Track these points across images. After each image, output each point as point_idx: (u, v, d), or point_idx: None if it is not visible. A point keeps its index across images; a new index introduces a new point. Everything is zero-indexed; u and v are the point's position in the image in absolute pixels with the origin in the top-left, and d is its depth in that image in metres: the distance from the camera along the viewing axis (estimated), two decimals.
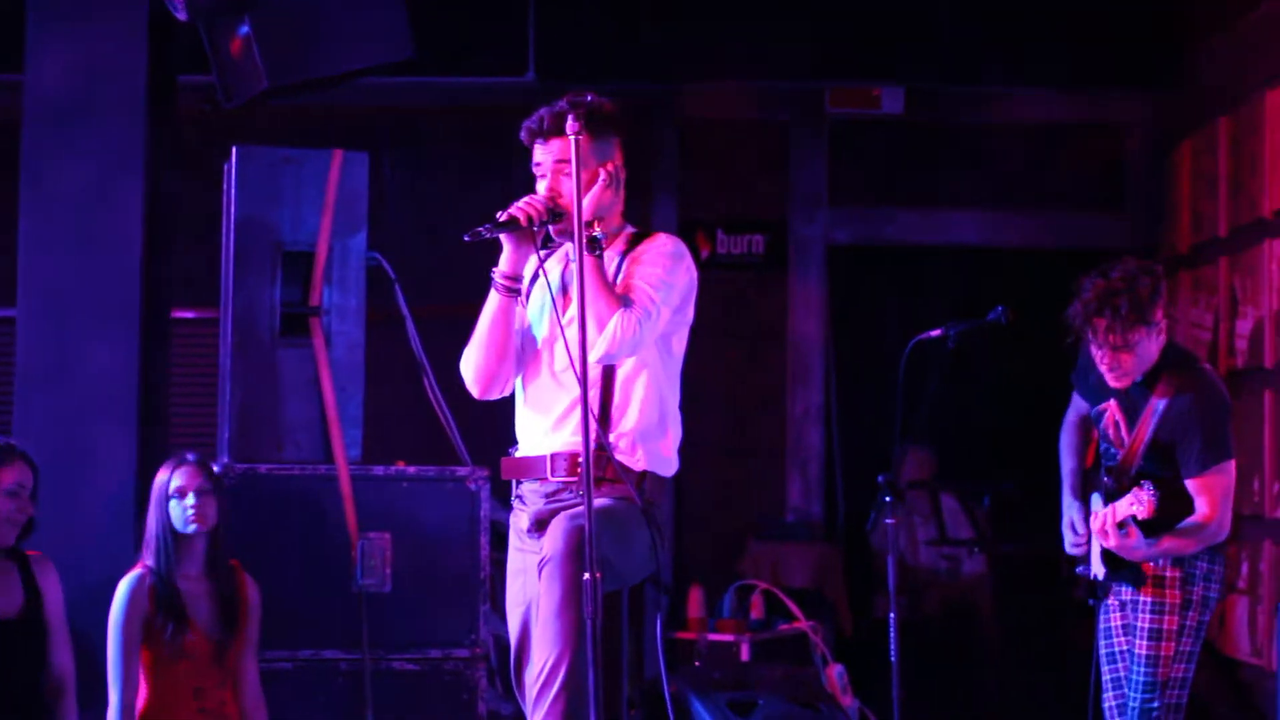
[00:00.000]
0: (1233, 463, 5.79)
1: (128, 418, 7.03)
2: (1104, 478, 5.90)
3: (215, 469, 6.32)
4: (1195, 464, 5.73)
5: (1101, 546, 5.83)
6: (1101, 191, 10.60)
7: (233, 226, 6.65)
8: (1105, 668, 5.99)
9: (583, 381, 4.67)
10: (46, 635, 5.84)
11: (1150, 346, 5.76)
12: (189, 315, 9.15)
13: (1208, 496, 5.73)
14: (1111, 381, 5.83)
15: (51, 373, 6.99)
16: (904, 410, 7.04)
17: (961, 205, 10.67)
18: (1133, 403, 5.86)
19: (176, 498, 6.13)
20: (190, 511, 6.11)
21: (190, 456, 6.24)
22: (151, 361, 7.21)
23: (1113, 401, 5.93)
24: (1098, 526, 5.76)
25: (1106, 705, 5.98)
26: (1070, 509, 6.13)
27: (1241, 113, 9.08)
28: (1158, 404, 5.77)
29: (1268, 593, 8.56)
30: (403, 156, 10.00)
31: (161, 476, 6.18)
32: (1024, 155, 10.67)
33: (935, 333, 7.15)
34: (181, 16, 6.48)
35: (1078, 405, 6.24)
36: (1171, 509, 5.68)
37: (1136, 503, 5.56)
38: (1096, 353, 5.81)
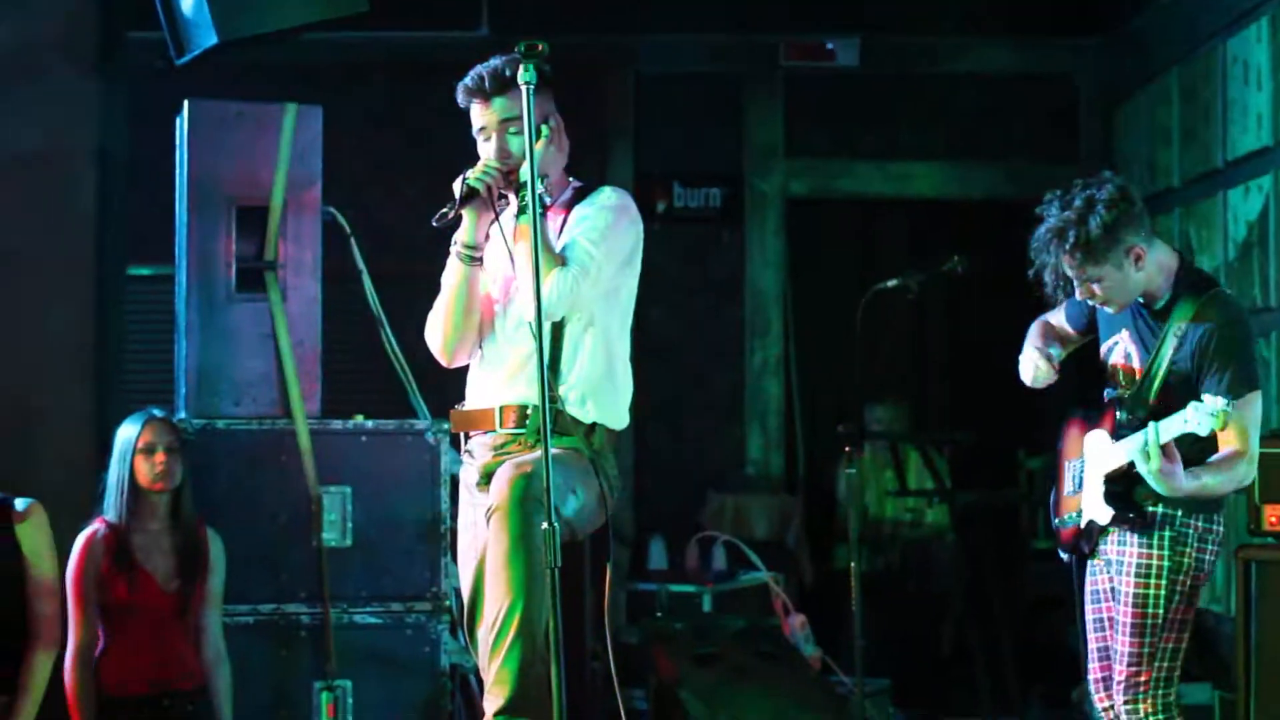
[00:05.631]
0: (1259, 395, 5.29)
1: (84, 375, 7.01)
2: (1116, 413, 5.42)
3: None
4: (1226, 393, 5.14)
5: (1105, 487, 5.39)
6: (1056, 142, 10.62)
7: (186, 182, 6.61)
8: (1092, 635, 5.55)
9: (539, 332, 4.67)
10: (20, 584, 5.80)
11: (1123, 276, 5.29)
12: (145, 272, 9.11)
13: (1236, 428, 5.18)
14: (1103, 307, 5.44)
15: (6, 331, 6.96)
16: (862, 361, 7.06)
17: (918, 157, 10.68)
18: (1150, 330, 5.40)
19: (144, 454, 6.12)
20: (159, 468, 6.11)
21: (157, 413, 6.22)
22: (107, 318, 7.19)
23: (1125, 332, 5.46)
24: (1130, 448, 5.21)
25: (1091, 677, 5.56)
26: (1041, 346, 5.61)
27: (1194, 62, 9.09)
28: (1177, 328, 5.30)
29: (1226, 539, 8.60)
30: (356, 111, 9.97)
31: (128, 432, 6.16)
32: (980, 106, 10.69)
33: (892, 283, 7.17)
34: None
35: (1057, 314, 5.79)
36: (1189, 452, 5.21)
37: (1194, 420, 5.02)
38: (1076, 286, 5.39)
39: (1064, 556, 5.65)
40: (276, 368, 6.56)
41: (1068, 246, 5.26)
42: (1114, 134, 10.40)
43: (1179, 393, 5.26)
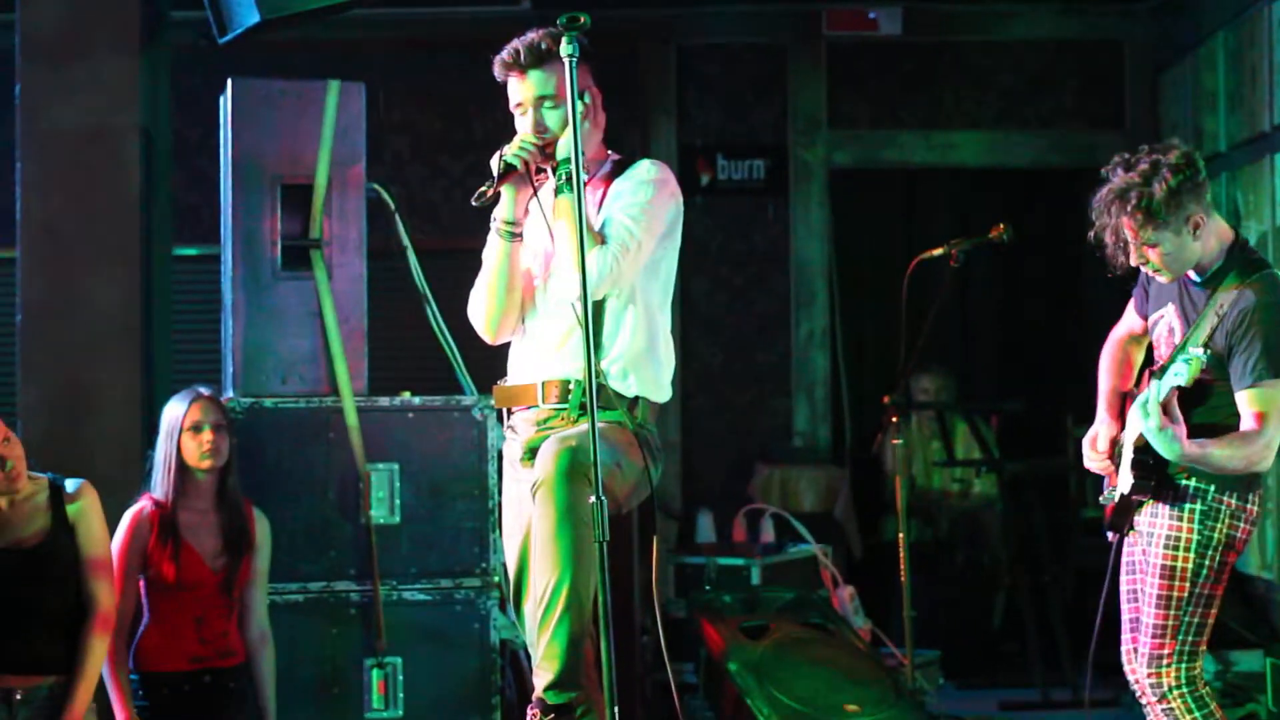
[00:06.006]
0: None
1: (131, 355, 7.01)
2: (1149, 380, 5.36)
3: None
4: (1250, 373, 5.16)
5: (1134, 456, 5.33)
6: (1102, 109, 10.57)
7: (230, 161, 6.62)
8: (1125, 606, 5.51)
9: (585, 311, 4.66)
10: (76, 564, 5.82)
11: (1180, 244, 5.25)
12: (191, 252, 9.14)
13: (1258, 410, 5.16)
14: (1155, 275, 5.40)
15: (55, 312, 6.98)
16: (908, 331, 7.04)
17: (962, 126, 10.63)
18: (1192, 304, 5.36)
19: (192, 432, 6.12)
20: (206, 447, 6.11)
21: (204, 391, 6.21)
22: (153, 298, 7.20)
23: (1171, 306, 5.43)
24: (1139, 404, 5.20)
25: (1124, 648, 5.52)
26: (1100, 424, 5.57)
27: (1241, 26, 9.03)
28: (1219, 305, 5.23)
29: (1276, 506, 8.57)
30: (399, 88, 9.97)
31: (175, 410, 6.16)
32: (1023, 75, 10.64)
33: (937, 252, 7.14)
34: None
35: (1128, 320, 5.72)
36: (1214, 424, 5.24)
37: (1179, 371, 5.07)
38: (1131, 250, 5.33)
39: (1108, 535, 5.58)
40: (323, 345, 6.57)
41: (1130, 208, 5.22)
42: (1160, 100, 10.34)
43: (1215, 370, 5.24)
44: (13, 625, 5.69)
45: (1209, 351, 5.08)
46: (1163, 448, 5.16)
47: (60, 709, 5.71)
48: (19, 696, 5.69)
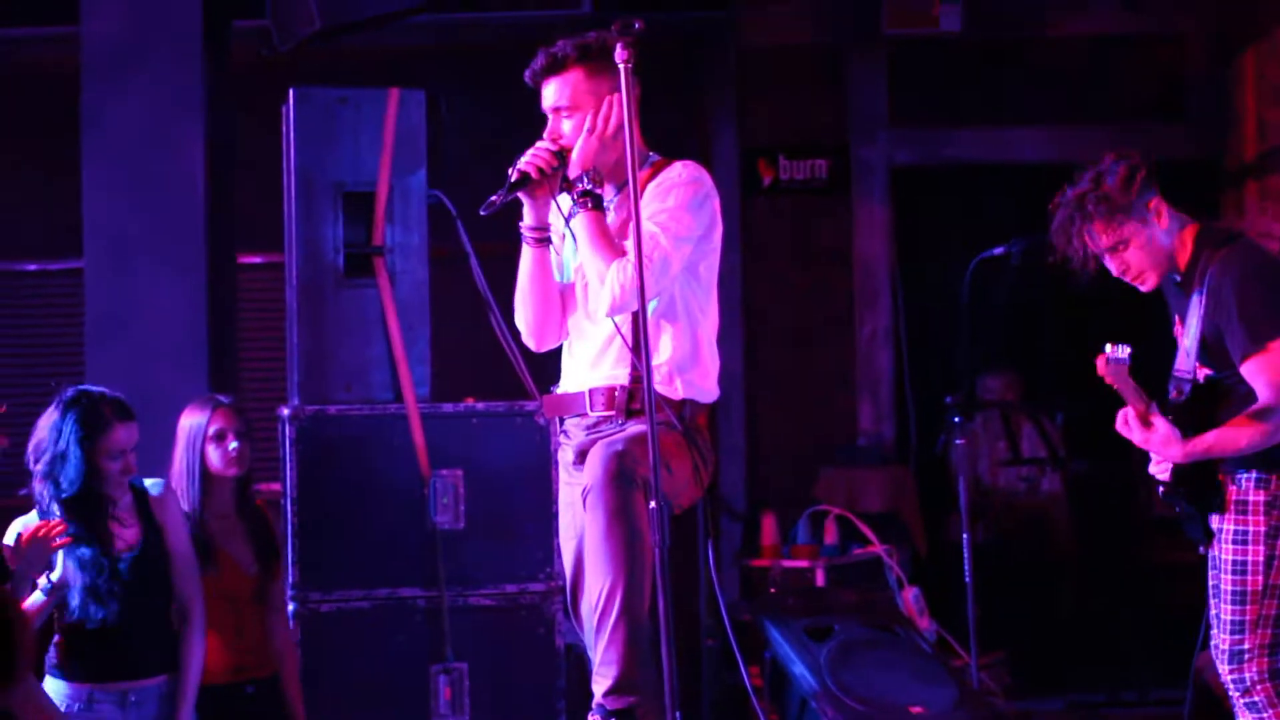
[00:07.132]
0: None
1: (197, 362, 7.08)
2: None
3: (282, 411, 6.36)
4: (1239, 349, 5.08)
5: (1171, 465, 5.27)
6: (1164, 103, 10.50)
7: (293, 169, 6.65)
8: (1211, 602, 5.33)
9: (642, 318, 4.67)
10: (168, 565, 5.88)
11: (1150, 236, 5.25)
12: (256, 260, 9.19)
13: (1264, 377, 5.06)
14: (1141, 287, 5.35)
15: (121, 320, 7.05)
16: (970, 330, 7.02)
17: (1023, 122, 10.59)
18: (1185, 308, 5.28)
19: (216, 440, 6.18)
20: (232, 454, 6.17)
21: (225, 399, 6.30)
22: (219, 305, 7.25)
23: (1177, 318, 5.38)
24: (1120, 421, 5.22)
25: (1213, 644, 5.32)
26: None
27: None
28: (1200, 294, 5.18)
29: None
30: (460, 94, 9.98)
31: (196, 419, 6.22)
32: (1084, 69, 10.58)
33: (999, 250, 7.12)
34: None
35: None
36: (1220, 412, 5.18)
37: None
38: (1108, 265, 5.35)
39: (1199, 549, 5.45)
40: (387, 352, 6.60)
41: (1091, 206, 5.25)
42: (1222, 93, 10.26)
43: (1217, 357, 5.21)
44: (119, 631, 5.75)
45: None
46: (1163, 454, 5.18)
47: (172, 706, 5.80)
48: (132, 699, 5.77)
